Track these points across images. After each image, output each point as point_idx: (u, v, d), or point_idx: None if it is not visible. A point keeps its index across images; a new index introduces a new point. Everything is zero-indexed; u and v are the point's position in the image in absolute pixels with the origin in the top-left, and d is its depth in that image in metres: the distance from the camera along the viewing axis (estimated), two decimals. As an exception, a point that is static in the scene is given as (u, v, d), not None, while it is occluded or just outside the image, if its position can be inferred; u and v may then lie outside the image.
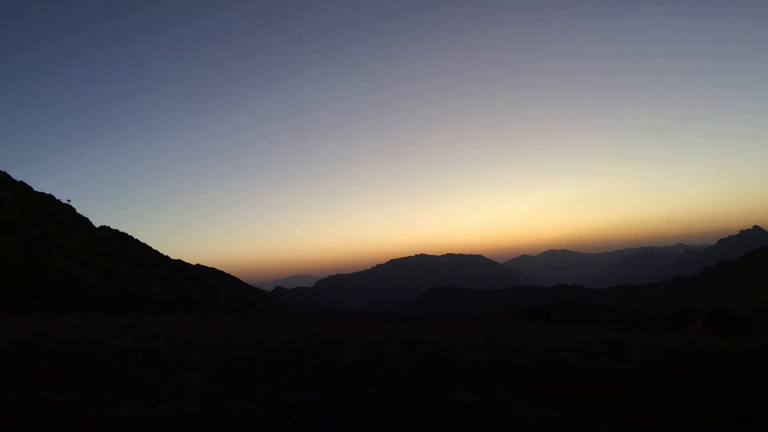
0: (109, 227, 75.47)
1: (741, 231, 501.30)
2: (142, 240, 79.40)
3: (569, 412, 6.60)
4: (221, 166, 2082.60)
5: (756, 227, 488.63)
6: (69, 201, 64.80)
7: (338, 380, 8.84)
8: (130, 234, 78.30)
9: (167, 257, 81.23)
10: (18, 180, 58.20)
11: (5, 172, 56.98)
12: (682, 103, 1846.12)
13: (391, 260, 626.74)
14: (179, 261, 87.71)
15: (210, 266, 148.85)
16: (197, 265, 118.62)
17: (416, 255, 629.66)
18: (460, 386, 7.66)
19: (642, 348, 14.73)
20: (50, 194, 62.20)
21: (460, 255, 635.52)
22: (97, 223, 69.69)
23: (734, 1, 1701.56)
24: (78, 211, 65.61)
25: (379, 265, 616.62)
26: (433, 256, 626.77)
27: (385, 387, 7.57)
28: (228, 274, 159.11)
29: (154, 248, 79.35)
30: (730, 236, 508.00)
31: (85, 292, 39.45)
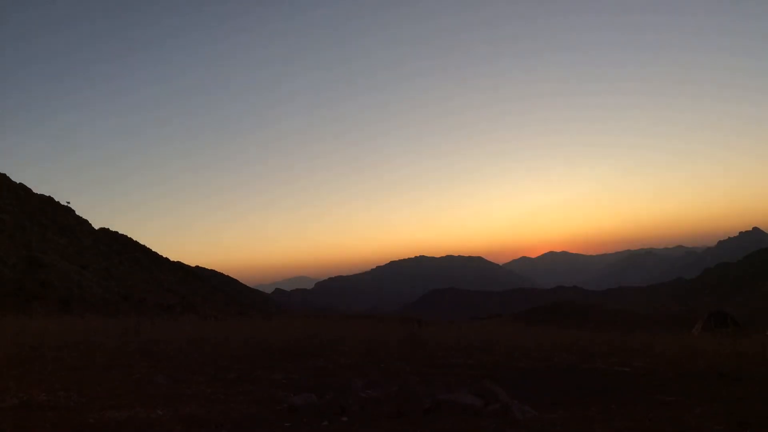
0: (108, 229, 75.24)
1: (740, 233, 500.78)
2: (142, 242, 79.25)
3: (569, 414, 6.59)
4: (221, 169, 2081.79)
5: (755, 229, 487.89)
6: (68, 203, 64.82)
7: (338, 382, 8.83)
8: (129, 236, 78.27)
9: (167, 259, 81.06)
10: (18, 182, 58.20)
11: (5, 174, 56.96)
12: (682, 104, 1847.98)
13: (391, 262, 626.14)
14: (179, 263, 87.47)
15: (210, 268, 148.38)
16: (197, 266, 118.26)
17: (416, 257, 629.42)
18: (459, 388, 7.66)
19: (642, 350, 14.71)
20: (50, 196, 62.23)
21: (459, 257, 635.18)
22: (96, 225, 69.64)
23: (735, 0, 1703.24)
24: (77, 213, 65.66)
25: (378, 267, 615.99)
26: (432, 258, 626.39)
27: (385, 388, 7.57)
28: (227, 276, 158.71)
29: (153, 250, 79.29)
30: (729, 238, 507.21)
31: (85, 294, 39.41)
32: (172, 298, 51.76)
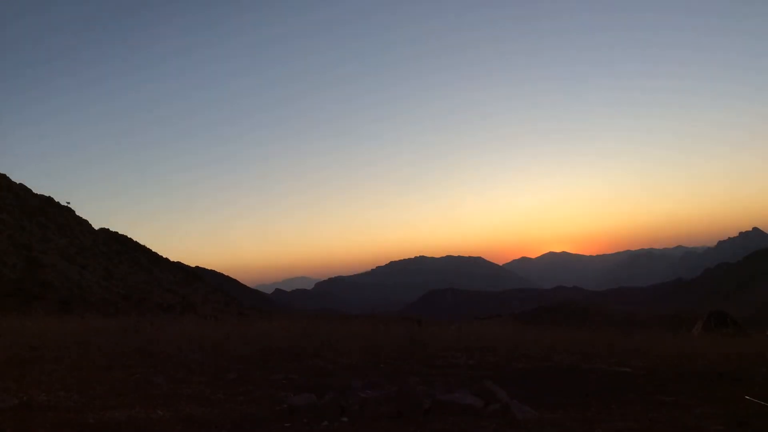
0: (108, 229, 75.20)
1: (740, 233, 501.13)
2: (142, 242, 79.18)
3: (569, 414, 6.59)
4: (222, 169, 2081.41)
5: (755, 229, 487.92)
6: (68, 203, 64.80)
7: (338, 382, 8.82)
8: (129, 236, 78.22)
9: (167, 259, 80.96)
10: (18, 182, 58.18)
11: (5, 174, 56.93)
12: (682, 105, 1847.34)
13: (391, 262, 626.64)
14: (179, 263, 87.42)
15: (210, 268, 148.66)
16: (197, 267, 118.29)
17: (415, 257, 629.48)
18: (459, 388, 7.65)
19: (641, 350, 14.69)
20: (50, 196, 62.20)
21: (459, 257, 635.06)
22: (96, 225, 69.59)
23: (734, 0, 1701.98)
24: (77, 213, 65.64)
25: (378, 267, 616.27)
26: (432, 258, 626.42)
27: (385, 389, 7.56)
28: (228, 276, 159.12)
29: (153, 250, 79.22)
30: (729, 238, 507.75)
31: (85, 294, 39.39)
32: (172, 298, 51.72)
